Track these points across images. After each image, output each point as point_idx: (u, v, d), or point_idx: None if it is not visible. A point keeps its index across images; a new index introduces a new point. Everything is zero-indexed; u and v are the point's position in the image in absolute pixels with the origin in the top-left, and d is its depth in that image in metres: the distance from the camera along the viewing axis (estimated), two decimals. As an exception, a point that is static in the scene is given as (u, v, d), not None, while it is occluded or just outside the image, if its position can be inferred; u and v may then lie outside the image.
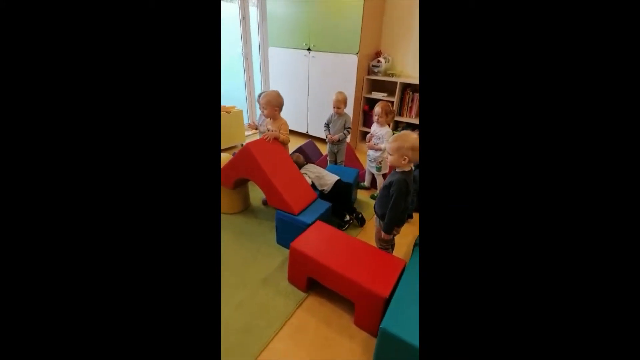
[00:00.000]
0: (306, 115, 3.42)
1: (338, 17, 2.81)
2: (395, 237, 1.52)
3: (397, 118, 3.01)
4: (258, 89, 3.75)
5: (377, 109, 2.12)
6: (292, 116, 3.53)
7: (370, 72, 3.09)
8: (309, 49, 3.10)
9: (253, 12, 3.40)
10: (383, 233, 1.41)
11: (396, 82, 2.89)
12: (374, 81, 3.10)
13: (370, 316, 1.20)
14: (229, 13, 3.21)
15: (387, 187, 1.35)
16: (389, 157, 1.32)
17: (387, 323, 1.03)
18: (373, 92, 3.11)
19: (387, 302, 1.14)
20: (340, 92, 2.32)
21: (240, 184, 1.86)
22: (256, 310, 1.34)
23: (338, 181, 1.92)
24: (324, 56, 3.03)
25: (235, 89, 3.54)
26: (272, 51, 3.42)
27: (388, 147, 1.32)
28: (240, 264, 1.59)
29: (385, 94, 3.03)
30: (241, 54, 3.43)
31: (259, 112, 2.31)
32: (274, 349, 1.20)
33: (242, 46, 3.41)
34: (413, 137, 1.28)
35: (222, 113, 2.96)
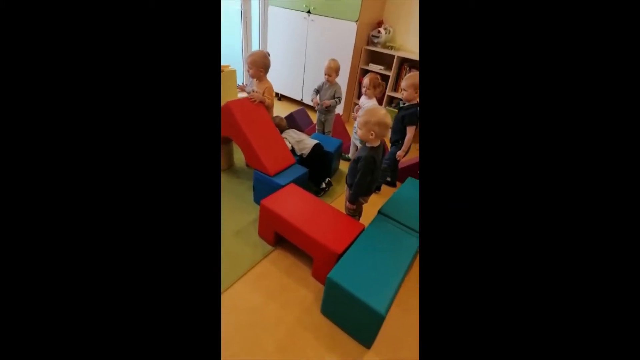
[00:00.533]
0: (302, 81, 3.38)
1: (341, -21, 2.69)
2: (364, 206, 1.63)
3: (392, 93, 3.00)
4: (256, 46, 3.66)
5: (366, 80, 2.11)
6: (287, 82, 3.50)
7: (369, 42, 3.02)
8: (309, 12, 3.00)
9: (255, -36, 3.23)
10: (347, 202, 1.50)
11: (394, 56, 2.84)
12: (372, 52, 3.03)
13: (325, 269, 1.33)
14: (228, -36, 3.06)
15: (355, 162, 1.42)
16: (358, 130, 1.37)
17: (334, 273, 1.16)
18: (370, 64, 3.06)
19: (341, 257, 1.26)
20: (333, 60, 2.29)
21: (223, 142, 1.92)
22: (225, 256, 1.47)
23: (317, 145, 1.97)
24: (324, 20, 2.94)
25: (230, 47, 3.45)
26: (272, 10, 3.30)
27: (357, 121, 1.37)
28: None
29: (383, 67, 2.99)
30: (240, 10, 3.31)
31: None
32: (235, 290, 1.34)
33: (240, 2, 3.28)
34: (381, 112, 1.32)
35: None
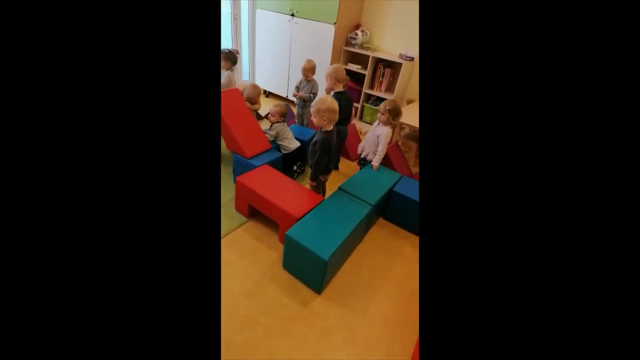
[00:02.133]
0: (287, 79, 3.64)
1: (319, -15, 2.95)
2: (327, 184, 1.88)
3: (368, 91, 3.26)
4: (245, 50, 3.92)
5: (382, 107, 1.99)
6: (273, 79, 3.76)
7: (347, 43, 3.28)
8: (292, 15, 3.26)
9: (243, -29, 3.49)
10: (309, 180, 1.76)
11: (369, 56, 3.10)
12: (350, 53, 3.30)
13: (288, 233, 1.59)
14: (218, -30, 3.32)
15: (314, 145, 1.67)
16: (313, 119, 1.62)
17: (291, 231, 1.41)
18: (349, 64, 3.32)
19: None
20: (309, 60, 2.54)
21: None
22: (205, 225, 1.73)
23: (298, 148, 2.21)
24: (306, 23, 3.20)
25: (221, 47, 3.70)
26: (260, 13, 3.56)
27: (311, 110, 1.62)
28: (200, 194, 1.95)
29: (360, 67, 3.25)
30: (230, 12, 3.57)
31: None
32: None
33: (231, 5, 3.54)
34: (329, 100, 1.57)
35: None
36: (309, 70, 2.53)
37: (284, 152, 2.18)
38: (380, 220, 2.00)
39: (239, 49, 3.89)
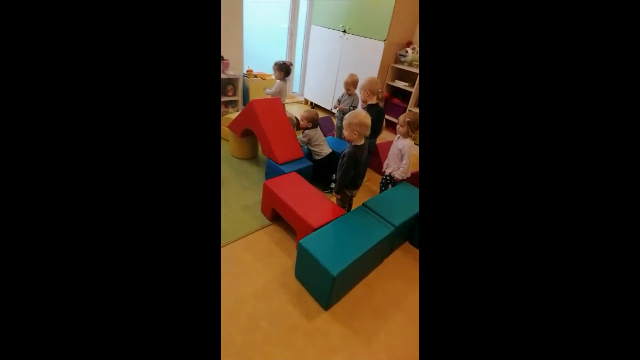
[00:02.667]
0: (333, 93, 3.72)
1: (373, 2, 3.00)
2: (354, 199, 1.85)
3: (413, 108, 3.16)
4: (298, 63, 4.13)
5: (401, 118, 1.91)
6: (320, 92, 3.87)
7: (397, 60, 3.24)
8: (344, 31, 3.35)
9: (304, -10, 3.72)
10: (334, 192, 1.75)
11: (417, 74, 3.02)
12: (399, 69, 3.25)
13: (304, 242, 1.58)
14: (281, -9, 3.59)
15: (342, 157, 1.66)
16: (344, 132, 1.61)
17: (304, 240, 1.41)
18: (396, 80, 3.27)
19: (316, 232, 1.50)
20: (352, 75, 2.57)
21: (248, 134, 2.30)
22: (231, 222, 1.81)
23: (331, 153, 2.23)
24: (356, 39, 3.26)
25: (276, 58, 3.96)
26: (314, 29, 3.73)
27: (343, 123, 1.62)
28: (231, 194, 2.06)
29: (407, 84, 3.18)
30: (287, 28, 3.81)
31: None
32: (232, 247, 1.66)
33: (289, 22, 3.78)
34: (362, 114, 1.56)
35: (257, 80, 3.42)
36: (351, 84, 2.56)
37: (316, 158, 2.20)
38: (406, 245, 1.88)
39: (292, 62, 4.13)
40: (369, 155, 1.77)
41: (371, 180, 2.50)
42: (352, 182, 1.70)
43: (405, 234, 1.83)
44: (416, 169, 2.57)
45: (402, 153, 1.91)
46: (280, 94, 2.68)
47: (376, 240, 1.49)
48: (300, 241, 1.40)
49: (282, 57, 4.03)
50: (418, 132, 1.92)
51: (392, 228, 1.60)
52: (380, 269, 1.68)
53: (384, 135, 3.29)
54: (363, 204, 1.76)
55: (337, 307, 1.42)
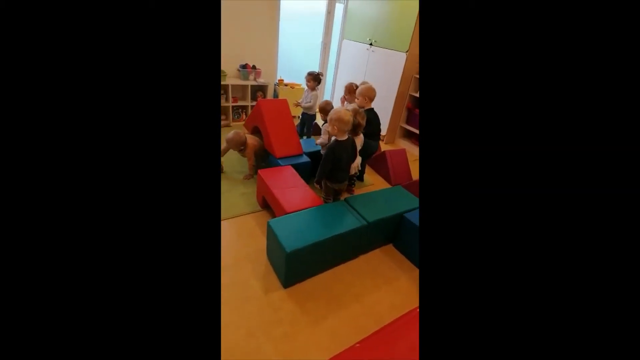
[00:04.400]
0: (358, 102, 3.83)
1: (397, 15, 3.09)
2: (342, 195, 1.93)
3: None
4: (331, 74, 4.36)
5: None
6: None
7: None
8: (371, 44, 3.48)
9: (339, 7, 3.98)
10: (315, 182, 1.85)
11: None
12: (422, 81, 3.23)
13: (280, 226, 1.70)
14: (317, 9, 3.90)
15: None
16: (327, 127, 1.72)
17: (273, 221, 1.53)
18: (420, 91, 3.26)
19: (288, 217, 1.62)
20: (363, 83, 2.66)
21: (258, 131, 2.54)
22: (227, 204, 2.02)
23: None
24: (381, 51, 3.36)
25: (309, 69, 4.24)
26: (345, 43, 3.93)
27: (327, 118, 1.73)
28: (232, 185, 2.28)
29: (429, 95, 3.14)
30: (321, 42, 4.09)
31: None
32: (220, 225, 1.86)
33: (323, 35, 4.06)
34: (342, 111, 1.65)
35: (287, 88, 3.72)
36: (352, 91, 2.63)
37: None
38: (389, 247, 1.87)
39: (324, 73, 4.38)
40: (369, 157, 1.85)
41: (375, 185, 2.52)
42: (332, 175, 1.78)
43: (388, 235, 1.83)
44: (416, 177, 2.52)
45: None
46: (313, 104, 2.91)
47: (342, 231, 1.54)
48: (269, 221, 1.53)
49: (316, 67, 4.31)
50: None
51: (364, 223, 1.63)
52: (352, 264, 1.70)
53: (409, 149, 3.28)
54: (345, 199, 1.82)
55: (296, 288, 1.50)
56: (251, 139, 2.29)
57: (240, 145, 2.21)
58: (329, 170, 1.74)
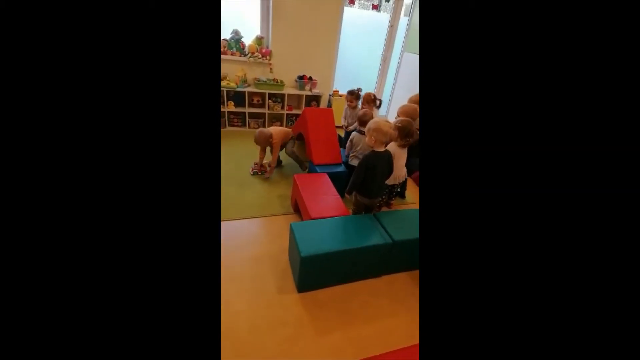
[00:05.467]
0: (412, 117, 3.68)
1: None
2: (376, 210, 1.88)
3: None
4: (389, 87, 4.30)
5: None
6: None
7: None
8: (431, 57, 3.33)
9: (403, 20, 3.92)
10: (346, 193, 1.82)
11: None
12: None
13: (304, 231, 1.73)
14: (379, 21, 3.90)
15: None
16: (366, 138, 1.69)
17: (296, 224, 1.56)
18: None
19: (313, 223, 1.63)
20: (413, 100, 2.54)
21: (302, 138, 2.63)
22: (263, 203, 2.15)
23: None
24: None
25: (366, 82, 4.26)
26: (407, 56, 3.84)
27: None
28: (273, 187, 2.41)
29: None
30: (381, 55, 4.07)
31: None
32: (252, 221, 1.98)
33: (383, 49, 4.04)
34: (381, 121, 1.62)
35: (340, 99, 3.78)
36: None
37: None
38: (416, 273, 1.73)
39: (382, 86, 4.33)
40: (390, 168, 1.78)
41: (417, 205, 2.38)
42: (364, 188, 1.74)
43: (414, 258, 1.70)
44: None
45: None
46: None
47: (363, 245, 1.49)
48: (291, 223, 1.57)
49: (372, 80, 4.30)
50: (407, 140, 1.86)
51: (389, 241, 1.55)
52: (372, 282, 1.63)
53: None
54: (374, 214, 1.76)
55: (309, 294, 1.50)
56: (275, 130, 2.40)
57: (268, 139, 2.35)
58: (361, 180, 1.71)
